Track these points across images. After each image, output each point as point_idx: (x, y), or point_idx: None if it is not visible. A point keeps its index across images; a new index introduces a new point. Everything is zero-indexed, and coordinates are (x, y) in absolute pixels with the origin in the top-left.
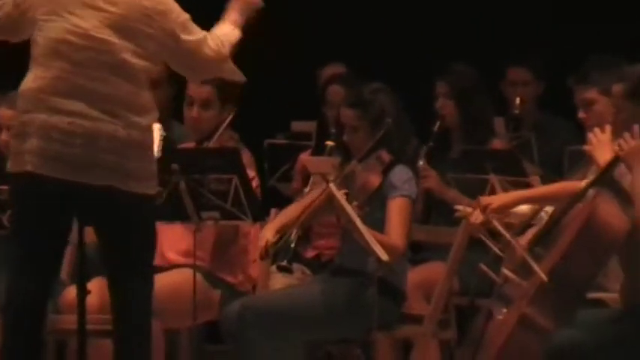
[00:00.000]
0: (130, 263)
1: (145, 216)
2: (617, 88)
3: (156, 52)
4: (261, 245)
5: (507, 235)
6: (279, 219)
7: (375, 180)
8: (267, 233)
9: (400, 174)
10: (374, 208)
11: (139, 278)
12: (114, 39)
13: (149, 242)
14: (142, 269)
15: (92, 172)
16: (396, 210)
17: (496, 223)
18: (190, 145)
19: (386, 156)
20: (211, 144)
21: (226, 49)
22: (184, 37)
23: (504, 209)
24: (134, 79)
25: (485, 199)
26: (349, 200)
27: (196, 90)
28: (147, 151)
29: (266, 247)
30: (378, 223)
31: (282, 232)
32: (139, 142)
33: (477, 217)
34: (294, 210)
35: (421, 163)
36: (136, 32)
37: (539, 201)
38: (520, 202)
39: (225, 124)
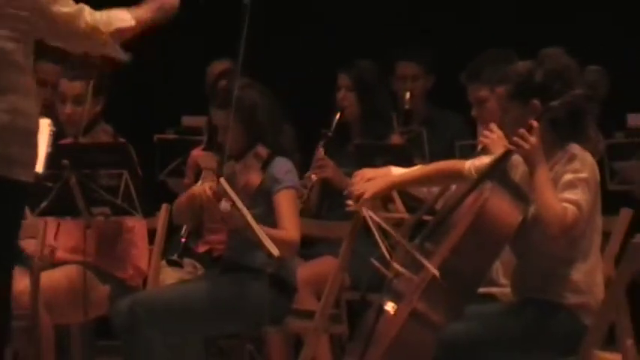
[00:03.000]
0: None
1: (22, 203)
2: (500, 89)
3: (30, 32)
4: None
5: (397, 236)
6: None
7: (255, 178)
8: None
9: (280, 166)
10: (258, 205)
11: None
12: None
13: (17, 232)
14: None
15: None
16: (285, 203)
17: (377, 219)
18: (68, 141)
19: (263, 151)
20: (87, 138)
21: (108, 29)
22: (55, 9)
23: (378, 196)
24: (14, 65)
25: (357, 188)
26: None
27: (68, 86)
28: (31, 137)
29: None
30: (263, 219)
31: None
32: (23, 128)
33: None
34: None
35: (319, 153)
36: (8, 17)
37: (414, 183)
38: (394, 187)
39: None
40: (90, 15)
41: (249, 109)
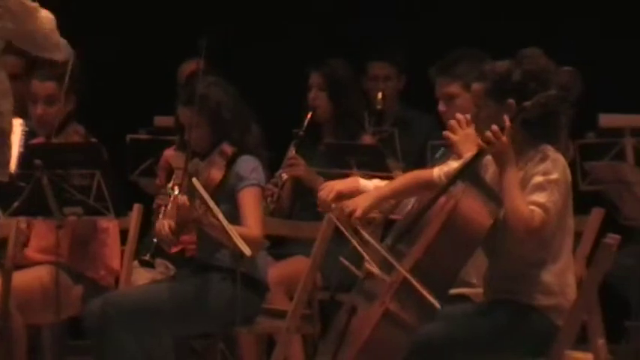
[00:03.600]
0: None
1: None
2: (477, 86)
3: (2, 30)
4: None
5: (373, 241)
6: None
7: (216, 174)
8: None
9: (246, 164)
10: (222, 203)
11: None
12: None
13: None
14: None
15: None
16: (250, 200)
17: (362, 232)
18: (39, 141)
19: (228, 148)
20: (58, 138)
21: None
22: (26, 1)
23: (368, 213)
24: None
25: (346, 207)
26: (193, 200)
27: (39, 87)
28: (5, 136)
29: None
30: (227, 217)
31: None
32: None
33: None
34: None
35: (290, 151)
36: None
37: (398, 195)
38: (381, 202)
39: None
40: (43, 10)
41: (215, 106)
